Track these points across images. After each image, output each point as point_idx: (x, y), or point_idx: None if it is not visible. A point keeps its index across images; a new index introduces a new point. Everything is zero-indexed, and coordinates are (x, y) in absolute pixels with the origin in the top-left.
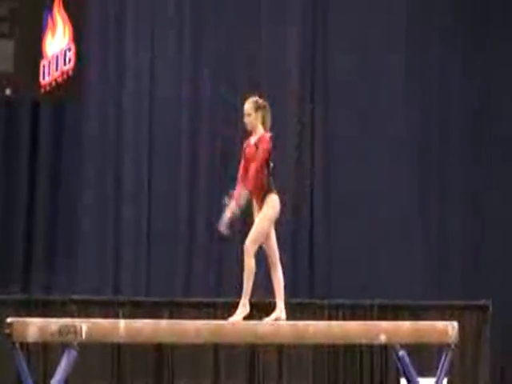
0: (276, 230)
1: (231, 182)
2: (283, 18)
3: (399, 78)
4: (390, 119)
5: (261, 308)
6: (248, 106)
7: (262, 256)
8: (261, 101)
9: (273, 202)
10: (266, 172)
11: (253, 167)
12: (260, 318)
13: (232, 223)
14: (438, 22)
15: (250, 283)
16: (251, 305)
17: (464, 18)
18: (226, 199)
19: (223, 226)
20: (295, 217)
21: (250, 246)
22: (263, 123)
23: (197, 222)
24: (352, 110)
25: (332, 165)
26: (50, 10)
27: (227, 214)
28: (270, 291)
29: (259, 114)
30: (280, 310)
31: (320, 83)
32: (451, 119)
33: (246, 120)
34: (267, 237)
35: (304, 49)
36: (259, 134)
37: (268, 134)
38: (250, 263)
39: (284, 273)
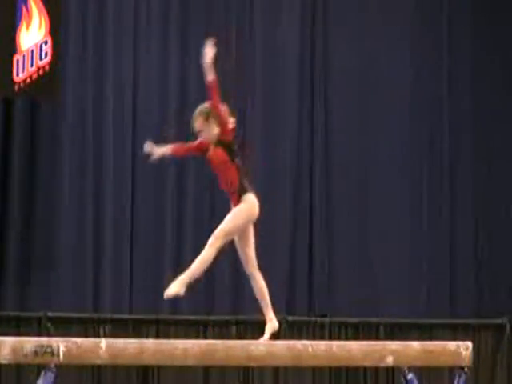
0: (273, 243)
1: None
2: (280, 17)
3: (403, 78)
4: (392, 121)
5: (256, 327)
6: (197, 123)
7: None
8: (202, 106)
9: (249, 201)
10: (236, 171)
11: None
12: (253, 337)
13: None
14: (446, 21)
15: (200, 270)
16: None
17: (475, 19)
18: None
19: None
20: (295, 226)
21: (217, 236)
22: (218, 122)
23: (184, 234)
24: (353, 112)
25: (332, 170)
26: None
27: (163, 149)
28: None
29: (211, 121)
30: (270, 320)
31: (320, 83)
32: (461, 120)
33: (203, 137)
34: (245, 242)
35: (303, 48)
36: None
37: (230, 124)
38: (209, 252)
39: (280, 287)
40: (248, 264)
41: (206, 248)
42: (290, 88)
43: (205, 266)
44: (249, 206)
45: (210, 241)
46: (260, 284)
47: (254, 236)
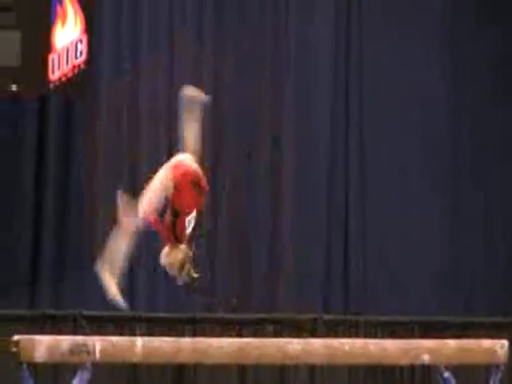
0: (309, 243)
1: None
2: (314, 16)
3: (436, 77)
4: (427, 120)
5: (291, 326)
6: None
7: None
8: None
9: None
10: None
11: None
12: (289, 336)
13: None
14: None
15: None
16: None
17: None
18: None
19: None
20: (330, 224)
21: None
22: None
23: (218, 233)
24: (387, 112)
25: (367, 169)
26: None
27: None
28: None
29: None
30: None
31: (354, 82)
32: (489, 120)
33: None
34: None
35: (337, 47)
36: None
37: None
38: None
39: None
40: None
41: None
42: (325, 87)
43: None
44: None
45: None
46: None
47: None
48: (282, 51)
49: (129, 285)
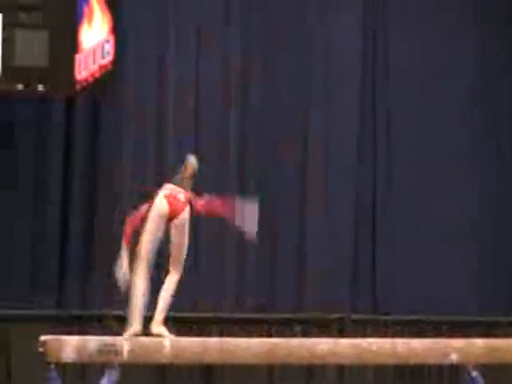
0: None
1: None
2: (340, 16)
3: (463, 76)
4: (454, 118)
5: (319, 325)
6: None
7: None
8: None
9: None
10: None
11: None
12: (317, 335)
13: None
14: (505, 20)
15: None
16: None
17: None
18: None
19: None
20: (357, 223)
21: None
22: None
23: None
24: (414, 111)
25: (395, 169)
26: None
27: None
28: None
29: None
30: (156, 324)
31: (381, 82)
32: None
33: None
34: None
35: (364, 47)
36: None
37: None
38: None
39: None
40: (170, 260)
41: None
42: (352, 88)
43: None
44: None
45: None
46: (167, 285)
47: (179, 235)
48: (309, 51)
49: (156, 285)
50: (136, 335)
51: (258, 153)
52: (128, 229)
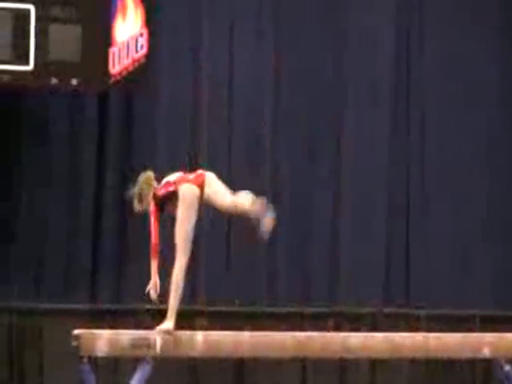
0: (370, 236)
1: (317, 181)
2: (375, 16)
3: (496, 76)
4: (486, 120)
5: (352, 319)
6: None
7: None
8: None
9: (181, 193)
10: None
11: None
12: (349, 330)
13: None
14: None
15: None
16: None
17: None
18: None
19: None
20: (391, 218)
21: (179, 254)
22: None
23: (281, 224)
24: (448, 111)
25: (428, 168)
26: None
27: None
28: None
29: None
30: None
31: (415, 82)
32: None
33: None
34: (215, 202)
35: (398, 47)
36: None
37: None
38: (180, 277)
39: (376, 280)
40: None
41: (176, 271)
42: (385, 87)
43: (181, 290)
44: (183, 197)
45: (176, 262)
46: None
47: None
48: (343, 51)
49: (191, 279)
50: (169, 333)
51: (291, 150)
52: (155, 239)
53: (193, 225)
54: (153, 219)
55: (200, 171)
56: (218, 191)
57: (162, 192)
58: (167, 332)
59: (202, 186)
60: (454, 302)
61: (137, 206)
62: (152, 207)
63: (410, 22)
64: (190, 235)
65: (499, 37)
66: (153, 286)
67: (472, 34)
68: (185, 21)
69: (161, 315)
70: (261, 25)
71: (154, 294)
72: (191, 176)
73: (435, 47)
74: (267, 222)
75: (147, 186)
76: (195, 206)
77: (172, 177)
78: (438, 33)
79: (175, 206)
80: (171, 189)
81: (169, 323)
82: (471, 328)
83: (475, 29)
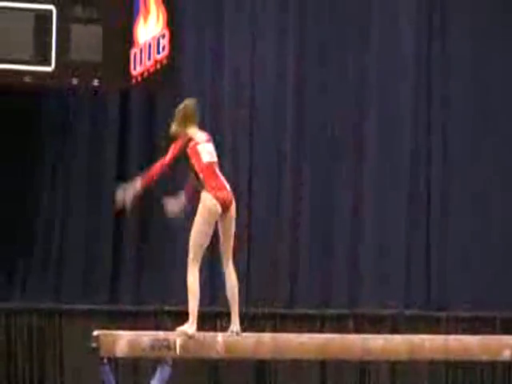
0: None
1: (338, 181)
2: (397, 17)
3: None
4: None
5: (373, 321)
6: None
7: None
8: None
9: (202, 199)
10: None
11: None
12: (370, 332)
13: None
14: None
15: (196, 302)
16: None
17: None
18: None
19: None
20: (411, 220)
21: (190, 259)
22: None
23: (298, 231)
24: (470, 112)
25: (450, 170)
26: None
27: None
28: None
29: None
30: (233, 323)
31: (437, 83)
32: None
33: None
34: (222, 237)
35: (419, 49)
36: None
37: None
38: (192, 280)
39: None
40: (223, 259)
41: (188, 276)
42: (407, 88)
43: (197, 294)
44: (203, 205)
45: (188, 267)
46: (230, 282)
47: (230, 230)
48: (364, 54)
49: (210, 280)
50: (189, 336)
51: (312, 152)
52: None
53: (206, 233)
54: (175, 146)
55: (228, 188)
56: (231, 235)
57: (192, 152)
58: (186, 334)
59: (226, 206)
60: (475, 304)
61: (174, 126)
62: (180, 142)
63: (431, 24)
64: (201, 242)
65: None
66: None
67: (495, 33)
68: (208, 22)
69: (181, 317)
70: (283, 26)
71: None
72: (219, 177)
73: (456, 48)
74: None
75: (191, 114)
76: (211, 220)
77: (209, 148)
78: (460, 34)
79: (191, 169)
80: (196, 167)
81: (190, 326)
82: (492, 330)
83: (498, 28)
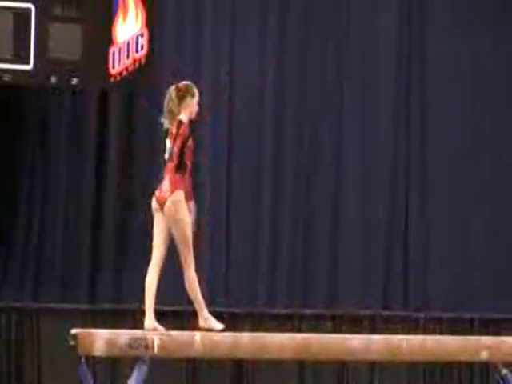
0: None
1: (318, 181)
2: (377, 15)
3: (495, 75)
4: (491, 120)
5: (351, 321)
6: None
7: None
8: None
9: (174, 201)
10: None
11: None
12: (348, 332)
13: None
14: None
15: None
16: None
17: None
18: None
19: None
20: (390, 220)
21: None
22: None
23: (279, 230)
24: (449, 111)
25: (428, 169)
26: None
27: None
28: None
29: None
30: (204, 319)
31: (416, 81)
32: None
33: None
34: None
35: (400, 47)
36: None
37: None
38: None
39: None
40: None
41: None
42: (387, 86)
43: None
44: (176, 205)
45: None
46: (187, 283)
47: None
48: (345, 50)
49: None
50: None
51: (293, 149)
52: None
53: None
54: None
55: (163, 188)
56: (177, 237)
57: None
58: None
59: (160, 205)
60: (453, 304)
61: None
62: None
63: (412, 20)
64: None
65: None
66: None
67: (477, 32)
68: (187, 21)
69: (159, 316)
70: (263, 25)
71: None
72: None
73: (436, 45)
74: None
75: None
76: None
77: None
78: (441, 32)
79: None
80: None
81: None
82: (470, 331)
83: (480, 27)
